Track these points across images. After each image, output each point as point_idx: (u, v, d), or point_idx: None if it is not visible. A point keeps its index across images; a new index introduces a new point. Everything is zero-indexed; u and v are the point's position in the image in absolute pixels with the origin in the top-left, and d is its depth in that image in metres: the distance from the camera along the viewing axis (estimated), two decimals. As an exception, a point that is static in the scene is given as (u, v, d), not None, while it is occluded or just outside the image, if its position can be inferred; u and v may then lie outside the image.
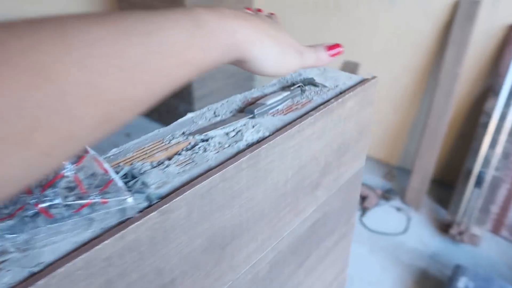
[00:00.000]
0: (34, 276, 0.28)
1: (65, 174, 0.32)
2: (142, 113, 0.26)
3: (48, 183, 0.31)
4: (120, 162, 0.42)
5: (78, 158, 0.34)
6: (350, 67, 2.62)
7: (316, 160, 0.57)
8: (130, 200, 0.35)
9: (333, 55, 0.44)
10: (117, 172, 0.38)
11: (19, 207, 0.31)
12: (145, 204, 0.36)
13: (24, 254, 0.29)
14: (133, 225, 0.33)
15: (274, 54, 0.36)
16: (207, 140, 0.46)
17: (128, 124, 0.26)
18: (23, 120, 0.18)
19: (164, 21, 0.25)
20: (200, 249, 0.42)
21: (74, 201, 0.32)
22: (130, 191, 0.36)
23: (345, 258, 0.84)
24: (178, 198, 0.36)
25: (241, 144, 0.46)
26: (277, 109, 0.54)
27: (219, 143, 0.46)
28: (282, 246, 0.58)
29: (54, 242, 0.31)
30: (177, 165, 0.42)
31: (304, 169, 0.55)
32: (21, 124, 0.18)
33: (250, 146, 0.45)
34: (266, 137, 0.47)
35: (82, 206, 0.32)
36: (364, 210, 2.26)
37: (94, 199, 0.33)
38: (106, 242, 0.31)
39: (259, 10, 0.49)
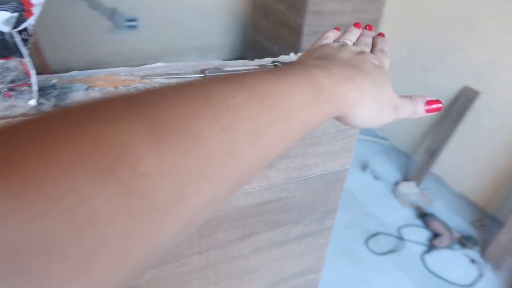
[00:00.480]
0: None
1: (-19, 62, 0.41)
2: None
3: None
4: (64, 80, 0.50)
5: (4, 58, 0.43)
6: (467, 94, 2.34)
7: (266, 137, 0.58)
8: (32, 102, 0.43)
9: (430, 111, 0.42)
10: (45, 82, 0.46)
11: None
12: (46, 107, 0.43)
13: None
14: (21, 118, 0.41)
15: (371, 113, 0.36)
16: (149, 78, 0.52)
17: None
18: (175, 186, 0.18)
19: (290, 86, 0.27)
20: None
21: (-17, 84, 0.41)
22: (41, 97, 0.44)
23: (316, 258, 0.81)
24: (72, 111, 0.43)
25: (169, 93, 0.50)
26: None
27: (160, 83, 0.51)
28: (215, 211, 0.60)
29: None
30: (104, 90, 0.48)
31: (248, 141, 0.56)
32: (172, 192, 0.18)
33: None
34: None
35: (-11, 91, 0.41)
36: (431, 247, 2.04)
37: (0, 90, 0.42)
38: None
39: (357, 26, 0.49)
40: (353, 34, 0.48)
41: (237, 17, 2.97)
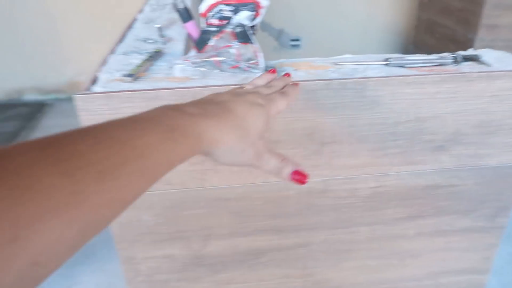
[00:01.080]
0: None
1: (233, 47, 0.59)
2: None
3: (223, 47, 0.59)
4: (276, 63, 0.66)
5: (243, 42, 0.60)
6: None
7: (442, 121, 0.63)
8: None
9: (293, 180, 0.42)
10: (266, 63, 0.63)
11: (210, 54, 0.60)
12: (270, 81, 0.59)
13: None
14: (256, 86, 0.57)
15: (233, 152, 0.38)
16: (340, 64, 0.64)
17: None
18: (7, 230, 0.19)
19: (141, 129, 0.29)
20: (302, 132, 0.61)
21: (231, 61, 0.59)
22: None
23: (483, 259, 0.80)
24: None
25: (358, 75, 0.61)
26: (414, 66, 0.64)
27: (349, 69, 0.63)
28: (386, 184, 0.68)
29: (221, 79, 0.59)
30: (307, 73, 0.62)
31: (424, 123, 0.63)
32: (5, 235, 0.19)
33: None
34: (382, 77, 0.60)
35: (234, 66, 0.59)
36: None
37: (241, 65, 0.59)
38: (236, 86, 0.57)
39: (287, 75, 0.52)
40: (262, 79, 0.50)
41: (398, 34, 2.96)
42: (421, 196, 0.70)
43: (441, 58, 0.65)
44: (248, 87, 0.47)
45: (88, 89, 0.58)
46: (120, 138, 0.27)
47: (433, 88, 0.60)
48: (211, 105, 0.38)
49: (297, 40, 3.16)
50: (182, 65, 0.62)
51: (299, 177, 0.42)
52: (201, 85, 0.58)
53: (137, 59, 0.67)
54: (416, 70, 0.62)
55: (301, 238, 0.72)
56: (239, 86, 0.48)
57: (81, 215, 0.23)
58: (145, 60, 0.66)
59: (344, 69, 0.63)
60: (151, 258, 0.70)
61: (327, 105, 0.60)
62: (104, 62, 0.67)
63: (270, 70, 0.52)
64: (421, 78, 0.59)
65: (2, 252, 0.19)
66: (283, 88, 0.48)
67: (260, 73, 0.60)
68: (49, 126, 2.47)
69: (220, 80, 0.60)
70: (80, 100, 0.56)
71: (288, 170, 0.41)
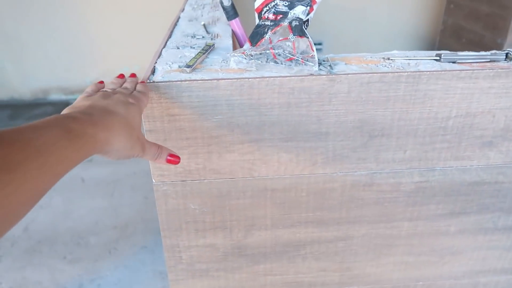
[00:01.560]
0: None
1: (290, 39, 0.60)
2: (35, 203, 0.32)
3: (279, 40, 0.60)
4: (332, 58, 0.66)
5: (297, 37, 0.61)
6: None
7: (493, 117, 0.63)
8: (315, 68, 0.59)
9: (169, 162, 0.52)
10: (320, 56, 0.63)
11: (266, 47, 0.61)
12: (323, 73, 0.59)
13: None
14: (309, 77, 0.58)
15: (123, 149, 0.44)
16: (390, 59, 0.64)
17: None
18: None
19: (39, 131, 0.33)
20: (352, 125, 0.62)
21: (287, 54, 0.59)
22: (320, 64, 0.61)
23: (524, 259, 0.79)
24: (343, 75, 0.58)
25: (412, 69, 0.61)
26: (466, 61, 0.64)
27: (401, 63, 0.63)
28: (431, 179, 0.68)
29: (276, 72, 0.60)
30: (359, 67, 0.63)
31: (474, 118, 0.63)
32: None
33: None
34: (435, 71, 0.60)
35: (290, 58, 0.60)
36: None
37: (297, 58, 0.59)
38: (292, 78, 0.57)
39: (132, 75, 0.58)
40: (114, 84, 0.55)
41: (422, 39, 2.95)
42: (466, 192, 0.70)
43: (493, 54, 0.64)
44: (105, 88, 0.53)
45: (148, 78, 0.59)
46: (20, 138, 0.30)
47: (486, 83, 0.60)
48: (96, 111, 0.43)
49: (319, 44, 3.16)
50: (237, 57, 0.63)
51: (174, 158, 0.52)
52: (257, 76, 0.59)
53: (190, 52, 0.68)
54: (468, 66, 0.62)
55: (341, 232, 0.72)
56: (88, 90, 0.52)
57: None
58: (200, 52, 0.67)
59: (396, 64, 0.64)
60: (194, 247, 0.71)
61: (379, 98, 0.60)
62: (158, 55, 0.68)
63: (119, 75, 0.58)
64: (475, 72, 0.59)
65: None
66: (135, 87, 0.54)
67: (315, 65, 0.60)
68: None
69: (275, 72, 0.61)
70: (135, 88, 0.57)
71: (164, 154, 0.51)
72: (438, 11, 2.81)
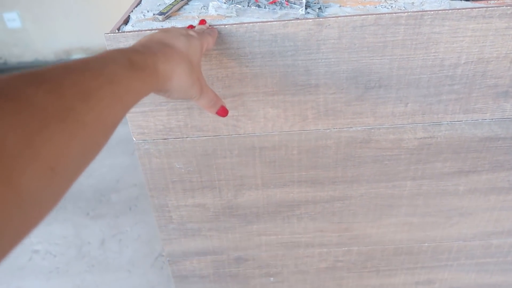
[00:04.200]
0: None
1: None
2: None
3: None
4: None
5: (285, -26, 0.54)
6: None
7: (510, 63, 0.55)
8: (301, 11, 0.52)
9: (218, 113, 0.49)
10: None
11: (245, -11, 0.54)
12: (311, 16, 0.52)
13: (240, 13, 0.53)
14: (293, 21, 0.51)
15: (184, 86, 0.41)
16: (394, 0, 0.56)
17: None
18: (21, 137, 0.21)
19: (104, 62, 0.31)
20: (345, 75, 0.55)
21: (270, -5, 0.53)
22: (308, 7, 0.54)
23: (542, 220, 0.72)
24: (332, 18, 0.51)
25: (414, 9, 0.53)
26: (481, -3, 0.55)
27: (404, 3, 0.55)
28: (437, 135, 0.61)
29: (257, 17, 0.53)
30: (355, 9, 0.55)
31: (487, 65, 0.55)
32: (22, 139, 0.21)
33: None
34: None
35: (273, 1, 0.53)
36: None
37: (281, 0, 0.52)
38: (273, 23, 0.51)
39: (202, 22, 0.53)
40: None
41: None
42: (477, 148, 0.63)
43: (514, -12, 0.55)
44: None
45: (119, 28, 0.55)
46: (87, 67, 0.29)
47: (502, 23, 0.51)
48: (153, 44, 0.39)
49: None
50: (216, 2, 0.56)
51: (225, 112, 0.49)
52: (235, 22, 0.53)
53: (171, 0, 0.62)
54: (483, 3, 0.54)
55: (338, 192, 0.68)
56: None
57: (77, 130, 0.25)
58: (176, -2, 0.61)
59: (398, 4, 0.56)
60: (183, 207, 0.69)
61: (375, 44, 0.53)
62: (137, 3, 0.63)
63: (189, 26, 0.52)
64: (489, 11, 0.51)
65: (21, 156, 0.20)
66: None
67: (301, 8, 0.53)
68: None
69: (257, 17, 0.54)
70: (110, 39, 0.53)
71: (219, 104, 0.48)
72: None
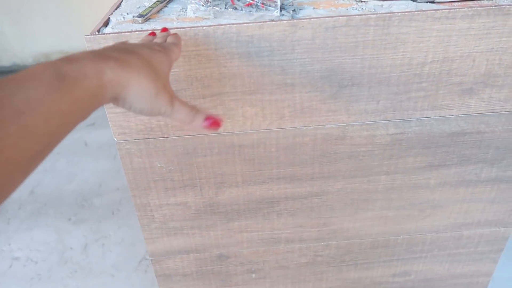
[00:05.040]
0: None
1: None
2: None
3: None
4: (296, 2, 0.61)
5: (260, -22, 0.56)
6: None
7: (473, 61, 0.58)
8: (276, 13, 0.55)
9: (208, 126, 0.40)
10: (284, 1, 0.58)
11: (222, -8, 0.56)
12: (285, 18, 0.55)
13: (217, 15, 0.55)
14: (269, 23, 0.53)
15: (146, 94, 0.35)
16: (363, 2, 0.59)
17: None
18: None
19: (21, 84, 0.26)
20: (319, 75, 0.58)
21: (246, -2, 0.55)
22: (283, 9, 0.56)
23: (509, 210, 0.76)
24: (305, 20, 0.53)
25: (382, 10, 0.56)
26: (445, 0, 0.58)
27: (374, 5, 0.58)
28: (408, 130, 0.64)
29: (234, 18, 0.55)
30: (327, 11, 0.58)
31: (452, 63, 0.58)
32: None
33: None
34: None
35: (249, 3, 0.55)
36: None
37: (256, 2, 0.55)
38: (249, 25, 0.53)
39: (163, 30, 0.51)
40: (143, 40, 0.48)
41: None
42: (446, 143, 0.66)
43: (475, -9, 0.59)
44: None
45: (98, 30, 0.56)
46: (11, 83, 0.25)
47: (464, 23, 0.55)
48: (106, 51, 0.34)
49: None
50: (194, 4, 0.58)
51: (213, 120, 0.40)
52: (213, 24, 0.55)
53: (151, 2, 0.63)
54: (447, 6, 0.57)
55: (316, 187, 0.70)
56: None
57: (11, 141, 0.23)
58: (157, 1, 0.62)
59: (368, 6, 0.59)
60: (165, 205, 0.70)
61: (347, 44, 0.56)
62: (117, 5, 0.64)
63: (150, 33, 0.51)
64: (452, 12, 0.54)
65: None
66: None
67: (276, 10, 0.55)
68: (69, 84, 2.49)
69: (234, 19, 0.56)
70: (90, 41, 0.54)
71: (200, 117, 0.40)
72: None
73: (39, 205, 1.65)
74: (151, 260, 0.78)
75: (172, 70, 0.56)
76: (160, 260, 0.78)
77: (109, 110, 0.59)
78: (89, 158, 1.92)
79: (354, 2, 0.60)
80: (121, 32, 0.53)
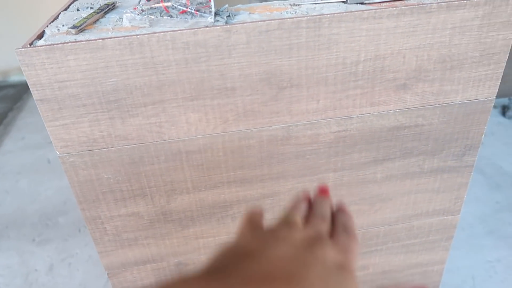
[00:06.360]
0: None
1: (178, -13, 0.56)
2: None
3: (168, -11, 0.56)
4: (231, 8, 0.62)
5: (193, -15, 0.57)
6: None
7: (403, 58, 0.61)
8: (210, 19, 0.56)
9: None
10: (219, 7, 0.59)
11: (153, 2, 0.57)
12: (219, 24, 0.56)
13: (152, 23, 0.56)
14: (202, 29, 0.54)
15: None
16: (297, 5, 0.61)
17: None
18: None
19: None
20: (258, 78, 0.59)
21: (180, 6, 0.55)
22: (217, 15, 0.57)
23: (454, 199, 0.80)
24: (239, 25, 0.54)
25: (315, 12, 0.58)
26: (374, 1, 0.61)
27: (307, 8, 0.60)
28: (350, 127, 0.67)
29: (170, 26, 0.56)
30: (262, 15, 0.59)
31: (384, 61, 0.61)
32: None
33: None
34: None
35: (183, 11, 0.56)
36: None
37: (190, 9, 0.56)
38: (184, 32, 0.54)
39: (322, 190, 0.33)
40: (297, 207, 0.32)
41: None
42: (387, 138, 0.69)
43: (401, -9, 0.61)
44: (288, 216, 0.29)
45: (31, 43, 0.55)
46: None
47: (391, 22, 0.57)
48: (258, 284, 0.20)
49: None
50: (130, 14, 0.58)
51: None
52: (148, 32, 0.55)
53: (88, 14, 0.63)
54: (376, 6, 0.59)
55: (266, 189, 0.71)
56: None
57: None
58: (93, 12, 0.62)
59: (301, 9, 0.60)
60: (116, 217, 0.69)
61: (281, 46, 0.57)
62: (54, 18, 0.63)
63: (303, 193, 0.33)
64: (378, 12, 0.56)
65: None
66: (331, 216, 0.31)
67: (211, 16, 0.56)
68: (35, 106, 2.43)
69: (169, 27, 0.57)
70: (21, 55, 0.53)
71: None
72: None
73: (0, 228, 1.59)
74: (108, 273, 0.76)
75: (109, 80, 0.56)
76: (117, 273, 0.77)
77: (48, 123, 0.58)
78: (52, 176, 1.87)
79: (289, 6, 0.62)
80: (53, 44, 0.53)
